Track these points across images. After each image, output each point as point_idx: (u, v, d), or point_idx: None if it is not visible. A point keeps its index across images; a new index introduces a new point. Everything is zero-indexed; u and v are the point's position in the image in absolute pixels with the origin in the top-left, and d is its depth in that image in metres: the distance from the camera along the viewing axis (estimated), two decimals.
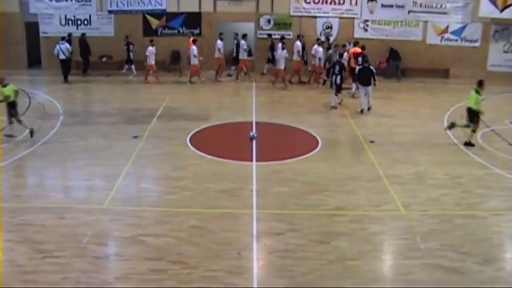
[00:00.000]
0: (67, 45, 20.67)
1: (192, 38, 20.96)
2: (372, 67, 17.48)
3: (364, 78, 17.09)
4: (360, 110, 17.16)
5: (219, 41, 21.32)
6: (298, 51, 20.89)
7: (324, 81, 20.82)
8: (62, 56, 20.50)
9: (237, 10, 22.72)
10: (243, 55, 21.29)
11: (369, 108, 17.21)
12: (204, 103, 18.27)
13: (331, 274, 8.10)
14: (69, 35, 21.53)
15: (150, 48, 20.61)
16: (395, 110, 17.76)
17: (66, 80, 20.69)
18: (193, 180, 11.51)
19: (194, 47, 20.47)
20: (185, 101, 18.37)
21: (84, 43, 21.77)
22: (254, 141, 13.92)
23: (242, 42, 21.17)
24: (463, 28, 22.52)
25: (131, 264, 8.22)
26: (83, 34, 21.93)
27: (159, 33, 22.83)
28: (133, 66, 21.87)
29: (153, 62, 20.68)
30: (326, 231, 9.40)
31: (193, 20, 22.94)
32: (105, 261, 8.43)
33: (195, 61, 20.54)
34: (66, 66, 20.73)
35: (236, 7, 22.72)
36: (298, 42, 21.04)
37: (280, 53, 20.05)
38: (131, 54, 21.76)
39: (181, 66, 22.40)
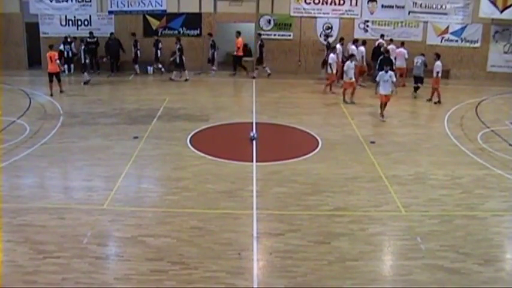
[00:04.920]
0: None
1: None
2: (392, 57, 19.62)
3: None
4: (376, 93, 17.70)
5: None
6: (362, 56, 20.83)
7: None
8: None
9: (237, 11, 22.69)
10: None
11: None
12: (204, 103, 18.26)
13: (331, 274, 8.11)
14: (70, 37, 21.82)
15: (332, 55, 19.49)
16: (396, 110, 17.74)
17: None
18: (194, 181, 11.52)
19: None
20: (185, 101, 18.36)
21: (112, 42, 21.76)
22: (254, 142, 13.93)
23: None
24: (463, 29, 22.50)
25: (131, 265, 8.23)
26: (112, 33, 21.98)
27: (159, 34, 22.80)
28: (137, 66, 22.00)
29: (334, 71, 19.41)
30: (326, 232, 9.40)
31: (193, 21, 22.91)
32: (106, 261, 8.44)
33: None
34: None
35: (236, 8, 22.70)
36: (353, 47, 20.90)
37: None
38: (138, 52, 21.75)
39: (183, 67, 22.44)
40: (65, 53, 21.42)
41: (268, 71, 22.01)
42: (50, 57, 18.61)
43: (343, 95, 18.42)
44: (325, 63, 21.34)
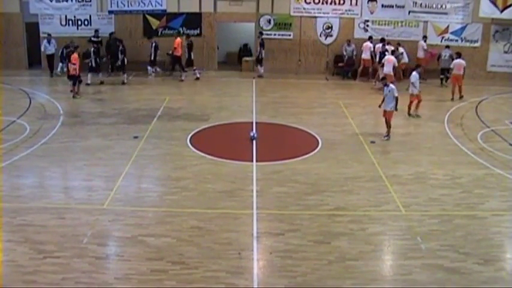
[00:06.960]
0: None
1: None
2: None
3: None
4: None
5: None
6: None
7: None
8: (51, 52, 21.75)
9: (237, 10, 22.70)
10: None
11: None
12: (204, 103, 18.26)
13: (332, 274, 8.12)
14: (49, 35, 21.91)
15: (414, 73, 16.61)
16: None
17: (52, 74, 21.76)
18: (194, 181, 11.52)
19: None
20: (185, 101, 18.37)
21: (113, 42, 21.52)
22: (254, 142, 13.93)
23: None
24: (463, 28, 22.50)
25: (131, 265, 8.24)
26: (111, 33, 21.84)
27: (159, 34, 22.80)
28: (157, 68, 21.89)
29: (415, 92, 16.62)
30: (326, 232, 9.41)
31: (193, 21, 22.90)
32: (106, 261, 8.44)
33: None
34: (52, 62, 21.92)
35: (236, 7, 22.70)
36: (423, 42, 21.80)
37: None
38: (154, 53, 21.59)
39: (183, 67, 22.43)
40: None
41: (198, 75, 21.41)
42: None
43: (408, 108, 16.78)
44: (258, 61, 21.91)
